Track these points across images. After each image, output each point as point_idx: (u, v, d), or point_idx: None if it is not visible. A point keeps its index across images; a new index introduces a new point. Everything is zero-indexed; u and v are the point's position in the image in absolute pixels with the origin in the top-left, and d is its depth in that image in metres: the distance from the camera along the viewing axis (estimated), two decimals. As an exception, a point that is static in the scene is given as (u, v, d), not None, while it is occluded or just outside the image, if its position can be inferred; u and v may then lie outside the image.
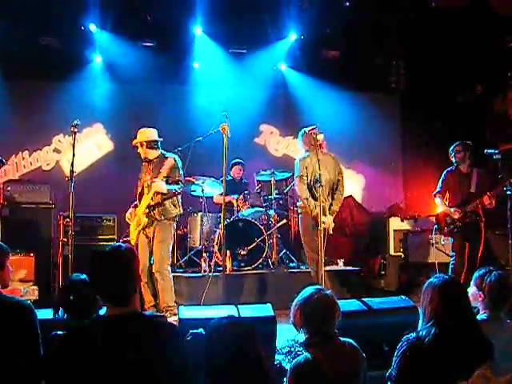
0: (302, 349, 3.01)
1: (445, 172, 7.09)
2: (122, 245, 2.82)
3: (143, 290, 6.29)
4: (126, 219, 6.61)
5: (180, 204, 6.57)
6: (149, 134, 6.58)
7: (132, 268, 2.70)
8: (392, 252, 8.72)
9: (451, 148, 6.98)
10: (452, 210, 6.84)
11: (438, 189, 7.09)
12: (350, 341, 3.10)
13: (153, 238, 6.38)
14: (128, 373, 2.46)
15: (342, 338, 3.10)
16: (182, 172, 6.55)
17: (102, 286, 2.66)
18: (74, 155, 5.86)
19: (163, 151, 6.62)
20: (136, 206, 6.53)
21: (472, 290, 3.65)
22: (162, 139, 6.68)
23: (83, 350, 2.51)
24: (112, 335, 2.54)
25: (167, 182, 6.34)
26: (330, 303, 3.08)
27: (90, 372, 2.47)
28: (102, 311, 3.42)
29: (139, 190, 6.56)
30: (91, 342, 2.52)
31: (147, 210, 6.34)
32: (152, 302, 6.38)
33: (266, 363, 2.56)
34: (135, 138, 6.61)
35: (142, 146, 6.53)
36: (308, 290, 3.14)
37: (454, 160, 6.96)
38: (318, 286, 3.21)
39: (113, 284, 2.63)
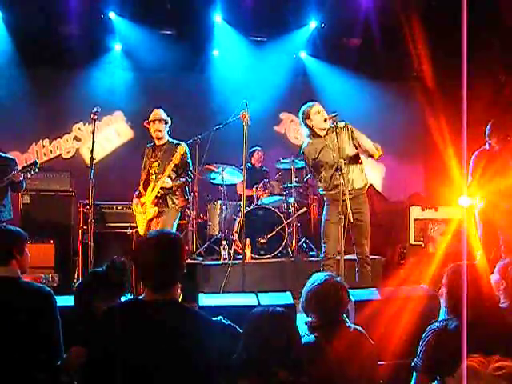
0: (308, 331, 3.02)
1: (477, 156, 6.46)
2: (172, 231, 2.81)
3: None
4: (133, 211, 6.46)
5: (187, 193, 6.53)
6: (164, 114, 6.52)
7: (178, 255, 2.69)
8: (412, 241, 8.63)
9: (494, 129, 6.41)
10: (502, 203, 6.28)
11: (472, 177, 6.45)
12: (358, 328, 3.13)
13: (158, 226, 6.20)
14: (155, 360, 2.44)
15: (350, 325, 3.14)
16: (190, 161, 6.50)
17: (146, 270, 2.65)
18: (93, 142, 5.87)
19: (170, 138, 6.54)
20: (139, 195, 6.41)
21: (495, 277, 3.63)
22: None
23: (111, 333, 2.54)
24: (147, 320, 2.55)
25: (177, 173, 6.32)
26: (340, 289, 3.10)
27: (114, 355, 2.47)
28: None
29: (144, 177, 6.47)
30: (123, 324, 2.54)
31: (156, 200, 6.24)
32: None
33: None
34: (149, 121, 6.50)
35: (160, 122, 6.41)
36: (319, 277, 3.16)
37: (494, 144, 6.40)
38: (328, 273, 3.23)
39: (156, 269, 2.62)
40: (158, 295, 2.60)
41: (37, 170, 6.25)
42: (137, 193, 6.46)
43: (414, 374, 3.02)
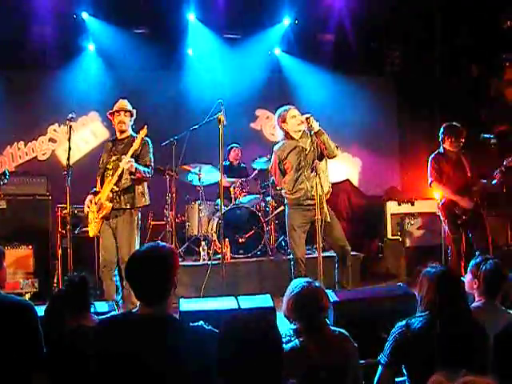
0: (292, 336, 3.07)
1: (433, 159, 6.67)
2: (163, 244, 2.80)
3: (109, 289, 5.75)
4: (85, 209, 5.89)
5: (147, 194, 5.97)
6: (129, 105, 6.09)
7: (169, 271, 2.67)
8: (390, 236, 8.74)
9: (447, 133, 6.59)
10: (462, 198, 6.45)
11: (431, 177, 6.64)
12: (342, 330, 3.19)
13: (117, 229, 5.76)
14: (144, 375, 2.46)
15: (333, 328, 3.20)
16: (152, 157, 5.97)
17: (138, 286, 2.65)
18: (70, 149, 5.70)
19: (134, 133, 6.03)
20: (96, 193, 5.88)
21: (468, 277, 3.73)
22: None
23: (105, 345, 2.54)
24: (138, 334, 2.55)
25: (137, 163, 5.77)
26: (320, 295, 3.16)
27: (104, 370, 2.50)
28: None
29: (101, 172, 5.96)
30: (116, 338, 2.55)
31: (111, 195, 5.70)
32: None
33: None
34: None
35: (126, 114, 5.97)
36: (298, 284, 3.20)
37: (448, 147, 6.60)
38: (307, 279, 3.27)
39: (148, 286, 2.61)
40: (151, 309, 2.61)
41: (6, 180, 6.15)
42: (93, 191, 5.98)
43: (379, 368, 3.12)
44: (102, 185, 5.90)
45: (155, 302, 2.62)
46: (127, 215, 5.79)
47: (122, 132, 6.04)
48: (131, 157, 5.69)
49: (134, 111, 6.07)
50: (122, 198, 5.76)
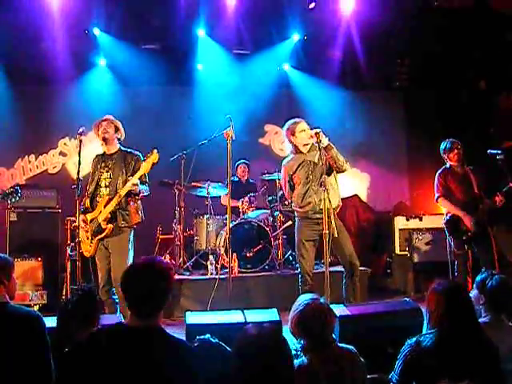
0: (300, 352, 3.07)
1: (440, 174, 6.71)
2: (160, 258, 2.81)
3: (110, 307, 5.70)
4: (79, 228, 5.60)
5: (141, 210, 5.81)
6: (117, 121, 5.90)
7: (165, 287, 2.69)
8: (398, 251, 8.72)
9: (446, 148, 6.66)
10: (465, 216, 6.47)
11: (438, 193, 6.68)
12: (350, 347, 3.16)
13: (110, 248, 5.63)
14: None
15: (340, 345, 3.18)
16: (147, 174, 5.79)
17: (132, 299, 2.67)
18: (79, 162, 5.68)
19: (123, 147, 5.90)
20: (86, 211, 5.72)
21: (474, 293, 3.72)
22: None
23: (95, 357, 2.54)
24: (127, 346, 2.56)
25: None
26: (324, 312, 3.13)
27: (93, 380, 2.50)
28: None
29: (91, 190, 5.77)
30: (105, 349, 2.56)
31: (110, 216, 5.57)
32: None
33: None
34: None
35: (109, 125, 5.77)
36: (303, 300, 3.19)
37: (450, 162, 6.66)
38: (312, 296, 3.26)
39: (142, 300, 2.63)
40: (142, 322, 2.63)
41: (18, 198, 6.20)
42: (83, 209, 5.73)
43: None
44: (91, 202, 5.75)
45: (146, 315, 2.64)
46: (121, 234, 5.65)
47: (106, 142, 5.82)
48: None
49: (122, 129, 5.89)
50: (116, 215, 5.61)
